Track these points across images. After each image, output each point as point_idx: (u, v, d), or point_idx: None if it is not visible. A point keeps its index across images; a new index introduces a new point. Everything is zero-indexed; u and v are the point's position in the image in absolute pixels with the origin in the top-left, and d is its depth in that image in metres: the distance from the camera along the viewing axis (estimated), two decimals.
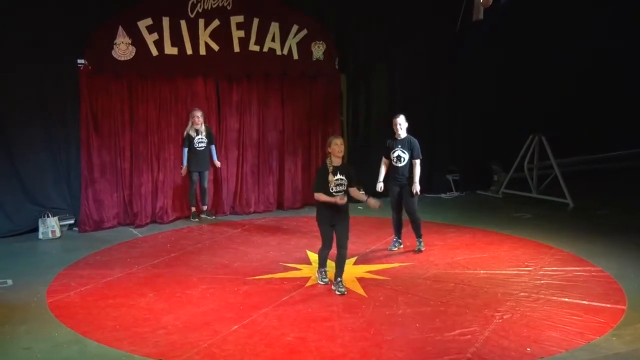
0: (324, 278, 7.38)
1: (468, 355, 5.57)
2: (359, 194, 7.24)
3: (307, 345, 5.79)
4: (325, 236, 7.22)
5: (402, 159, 8.42)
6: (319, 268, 7.43)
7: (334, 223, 7.12)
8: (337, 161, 7.09)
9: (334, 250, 7.23)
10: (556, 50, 12.67)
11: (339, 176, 7.04)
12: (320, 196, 7.06)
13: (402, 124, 8.45)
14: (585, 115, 13.13)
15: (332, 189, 7.01)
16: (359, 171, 7.22)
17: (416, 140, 8.51)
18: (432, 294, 7.07)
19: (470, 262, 8.21)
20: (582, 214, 10.83)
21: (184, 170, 10.37)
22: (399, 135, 8.47)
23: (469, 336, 5.96)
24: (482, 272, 7.83)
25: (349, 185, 7.11)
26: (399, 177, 8.48)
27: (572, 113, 13.06)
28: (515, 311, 6.55)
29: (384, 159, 8.60)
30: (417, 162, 8.44)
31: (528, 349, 5.70)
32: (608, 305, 6.68)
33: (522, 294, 7.04)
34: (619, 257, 8.35)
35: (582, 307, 6.63)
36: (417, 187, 8.43)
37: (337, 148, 7.06)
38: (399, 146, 8.44)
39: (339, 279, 7.16)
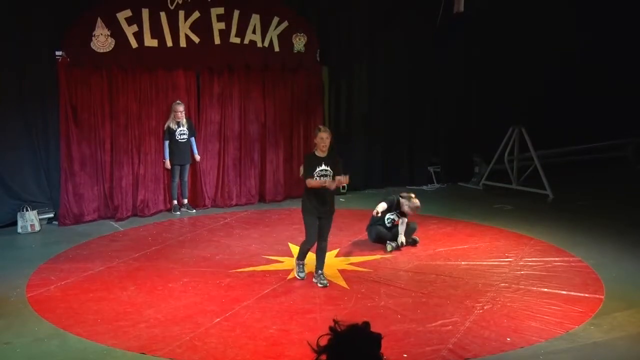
0: (301, 272, 7.32)
1: (449, 345, 5.63)
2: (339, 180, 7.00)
3: (289, 338, 5.80)
4: (309, 229, 7.10)
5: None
6: (297, 260, 7.36)
7: (320, 215, 7.05)
8: (321, 153, 6.98)
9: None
10: (537, 41, 12.71)
11: (323, 167, 6.92)
12: (311, 182, 6.92)
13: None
14: (566, 107, 13.21)
15: (315, 178, 6.92)
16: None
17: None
18: (414, 286, 7.12)
19: (452, 254, 8.26)
20: (562, 205, 10.92)
21: (167, 163, 10.33)
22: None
23: (450, 327, 6.01)
24: (463, 263, 7.89)
25: (335, 175, 6.94)
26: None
27: (552, 105, 13.13)
28: (495, 302, 6.62)
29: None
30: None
31: (508, 339, 5.77)
32: (586, 295, 6.77)
33: (502, 284, 7.11)
34: (597, 247, 8.46)
35: (561, 297, 6.72)
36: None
37: (321, 142, 6.93)
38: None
39: (319, 271, 7.15)
